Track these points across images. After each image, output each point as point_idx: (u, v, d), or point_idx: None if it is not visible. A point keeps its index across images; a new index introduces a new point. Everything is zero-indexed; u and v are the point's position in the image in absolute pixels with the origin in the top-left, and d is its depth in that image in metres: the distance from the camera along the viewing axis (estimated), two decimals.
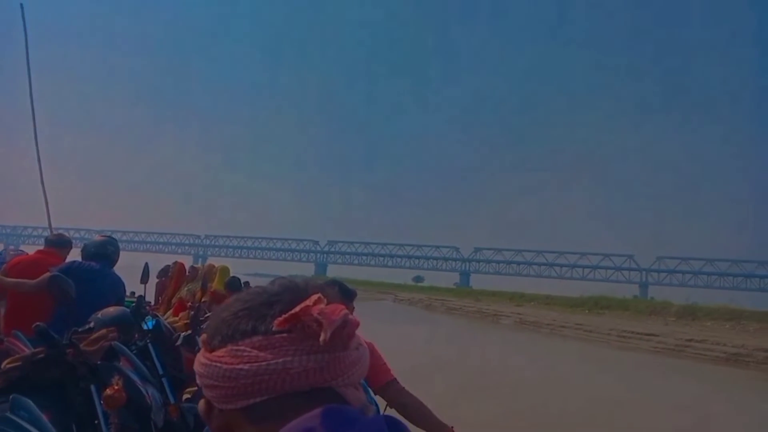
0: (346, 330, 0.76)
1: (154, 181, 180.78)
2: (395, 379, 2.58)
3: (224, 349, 0.77)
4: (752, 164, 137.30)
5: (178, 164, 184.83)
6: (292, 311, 0.76)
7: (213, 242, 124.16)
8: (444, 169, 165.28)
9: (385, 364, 2.57)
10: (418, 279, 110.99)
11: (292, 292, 0.81)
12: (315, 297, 0.78)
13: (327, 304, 0.77)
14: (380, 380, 2.51)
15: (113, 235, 5.42)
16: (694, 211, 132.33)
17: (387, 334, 21.00)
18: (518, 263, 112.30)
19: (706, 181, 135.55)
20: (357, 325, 0.79)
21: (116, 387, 2.66)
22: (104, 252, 4.33)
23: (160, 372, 3.75)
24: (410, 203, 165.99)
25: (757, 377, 16.82)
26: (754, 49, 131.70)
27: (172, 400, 3.63)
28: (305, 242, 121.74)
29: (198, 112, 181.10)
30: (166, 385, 3.71)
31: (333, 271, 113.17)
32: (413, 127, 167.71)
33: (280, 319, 0.76)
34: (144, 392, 3.06)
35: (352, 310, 1.98)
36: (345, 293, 2.08)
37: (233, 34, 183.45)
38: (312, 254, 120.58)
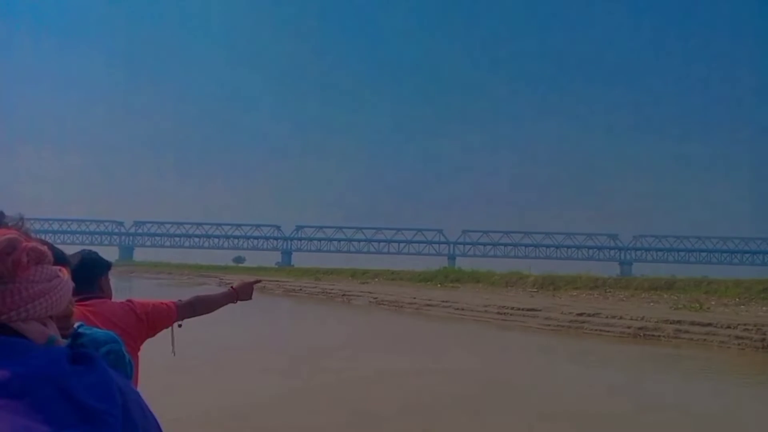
0: (11, 257, 0.71)
1: None
2: (175, 303, 2.34)
3: None
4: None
5: None
6: None
7: None
8: (258, 145, 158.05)
9: (160, 303, 2.27)
10: (238, 260, 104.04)
11: None
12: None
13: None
14: (170, 317, 2.28)
15: None
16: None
17: (236, 330, 15.40)
18: (339, 240, 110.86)
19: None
20: (30, 251, 0.74)
21: None
22: None
23: None
24: (229, 180, 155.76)
25: (680, 355, 14.59)
26: None
27: None
28: (106, 223, 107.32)
29: None
30: None
31: (140, 255, 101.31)
32: (220, 102, 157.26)
33: None
34: None
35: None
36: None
37: None
38: (115, 236, 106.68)
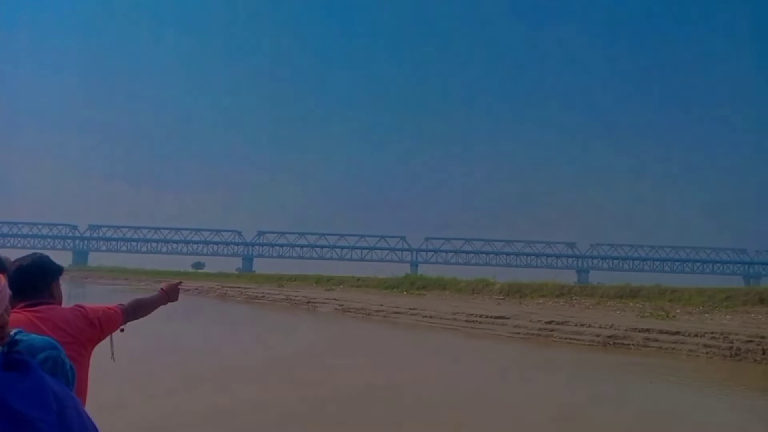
0: None
1: None
2: (120, 307, 2.36)
3: None
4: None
5: None
6: None
7: None
8: (218, 151, 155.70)
9: (107, 308, 2.27)
10: (198, 265, 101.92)
11: None
12: None
13: None
14: (117, 322, 2.28)
15: None
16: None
17: (197, 339, 14.74)
18: (301, 246, 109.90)
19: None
20: None
21: None
22: None
23: None
24: (189, 186, 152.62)
25: (650, 363, 14.60)
26: None
27: None
28: (60, 227, 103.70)
29: None
30: None
31: (96, 260, 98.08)
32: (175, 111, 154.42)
33: None
34: None
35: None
36: None
37: None
38: (69, 241, 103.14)
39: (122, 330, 2.33)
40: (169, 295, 2.74)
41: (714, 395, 10.93)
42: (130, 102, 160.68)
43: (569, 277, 75.20)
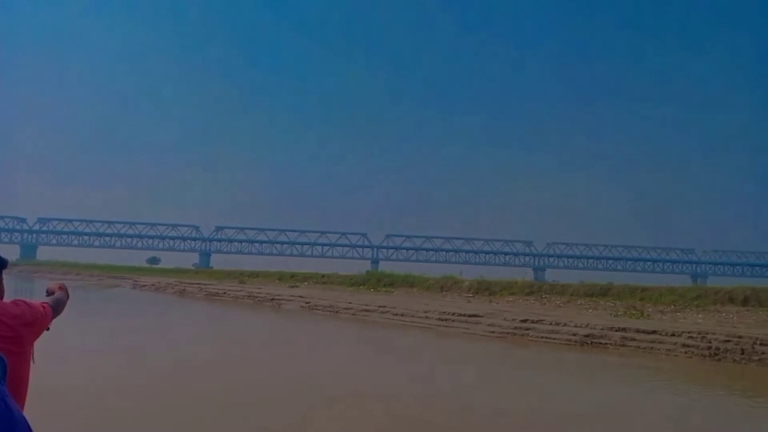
0: None
1: None
2: (49, 304, 2.25)
3: None
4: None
5: None
6: None
7: None
8: (180, 146, 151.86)
9: (41, 304, 2.17)
10: (153, 260, 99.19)
11: None
12: None
13: None
14: (48, 319, 2.18)
15: None
16: None
17: (163, 341, 14.04)
18: (261, 242, 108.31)
19: None
20: None
21: None
22: None
23: None
24: (145, 178, 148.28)
25: (629, 364, 14.39)
26: None
27: None
28: (7, 219, 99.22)
29: None
30: None
31: (46, 254, 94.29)
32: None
33: None
34: None
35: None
36: None
37: None
38: (17, 234, 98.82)
39: (48, 329, 2.23)
40: (66, 291, 2.67)
41: (706, 398, 10.71)
42: (80, 91, 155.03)
43: (526, 276, 76.42)
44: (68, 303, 2.55)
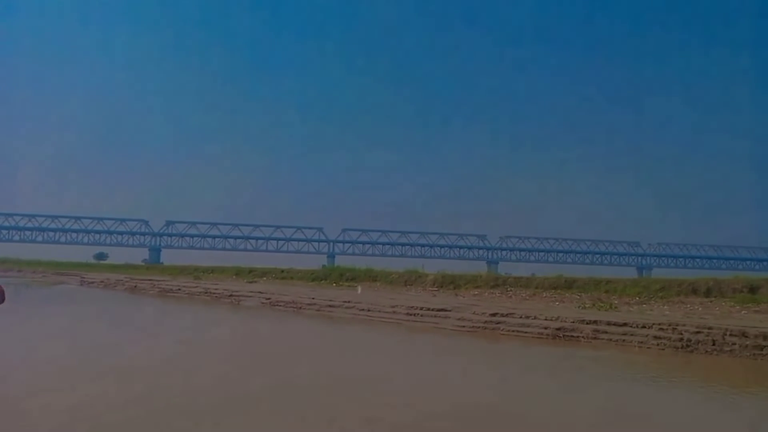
0: None
1: None
2: None
3: None
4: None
5: None
6: None
7: None
8: (129, 138, 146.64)
9: None
10: (100, 256, 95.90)
11: None
12: None
13: None
14: None
15: None
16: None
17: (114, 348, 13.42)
18: (214, 237, 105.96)
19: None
20: None
21: None
22: None
23: None
24: (87, 171, 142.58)
25: (602, 357, 14.33)
26: None
27: None
28: None
29: None
30: None
31: None
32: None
33: None
34: None
35: None
36: None
37: None
38: None
39: None
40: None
41: (691, 392, 10.65)
42: (27, 81, 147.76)
43: (480, 268, 77.31)
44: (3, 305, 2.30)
